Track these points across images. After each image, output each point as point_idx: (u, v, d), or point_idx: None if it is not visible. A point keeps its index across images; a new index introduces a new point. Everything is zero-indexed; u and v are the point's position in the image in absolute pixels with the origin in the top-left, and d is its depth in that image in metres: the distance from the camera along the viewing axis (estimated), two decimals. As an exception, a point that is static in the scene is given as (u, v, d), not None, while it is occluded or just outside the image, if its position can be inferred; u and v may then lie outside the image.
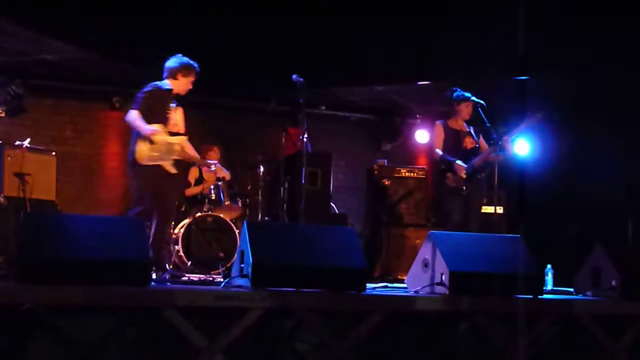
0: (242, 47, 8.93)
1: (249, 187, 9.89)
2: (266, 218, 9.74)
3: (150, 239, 6.42)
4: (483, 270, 5.52)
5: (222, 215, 9.07)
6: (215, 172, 7.38)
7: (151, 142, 6.57)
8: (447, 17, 8.12)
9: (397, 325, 5.29)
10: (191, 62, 6.88)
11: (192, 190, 9.65)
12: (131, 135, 6.72)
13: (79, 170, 10.43)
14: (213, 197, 9.20)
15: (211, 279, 7.05)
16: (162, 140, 6.64)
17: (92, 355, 4.63)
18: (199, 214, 9.01)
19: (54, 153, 8.92)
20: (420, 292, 5.48)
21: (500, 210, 9.70)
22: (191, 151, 7.02)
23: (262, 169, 9.75)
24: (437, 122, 8.27)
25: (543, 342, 5.63)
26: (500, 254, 5.70)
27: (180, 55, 6.93)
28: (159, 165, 6.64)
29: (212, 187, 9.37)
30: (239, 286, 5.11)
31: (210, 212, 9.06)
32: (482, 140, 8.10)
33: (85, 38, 8.72)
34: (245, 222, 5.25)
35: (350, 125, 12.04)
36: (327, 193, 10.84)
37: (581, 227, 9.40)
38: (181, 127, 6.94)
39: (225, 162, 10.09)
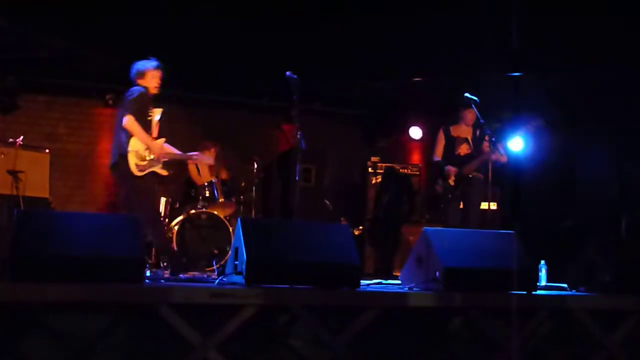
0: (235, 44, 8.92)
1: (242, 184, 9.89)
2: (260, 215, 9.74)
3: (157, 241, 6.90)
4: (477, 266, 5.53)
5: (216, 212, 9.06)
6: (198, 161, 7.42)
7: (137, 151, 6.81)
8: (441, 14, 8.11)
9: (392, 321, 5.30)
10: (143, 63, 7.11)
11: (200, 180, 9.65)
12: (117, 141, 6.91)
13: (72, 167, 10.42)
14: (207, 194, 9.20)
15: (205, 276, 7.05)
16: (148, 148, 6.89)
17: (87, 352, 4.64)
18: (192, 210, 9.00)
19: (47, 150, 8.93)
20: (414, 289, 5.49)
21: (494, 206, 9.73)
22: (173, 150, 7.27)
23: (256, 165, 9.75)
24: (440, 129, 8.48)
25: (538, 337, 5.64)
26: (494, 249, 5.70)
27: (135, 62, 7.15)
28: (153, 172, 6.90)
29: (205, 184, 9.38)
30: (233, 283, 5.11)
31: (204, 209, 9.06)
32: (485, 145, 8.17)
33: (79, 35, 8.71)
34: (239, 218, 5.25)
35: (345, 121, 12.04)
36: (321, 189, 10.87)
37: (574, 222, 9.42)
38: (155, 131, 7.12)
39: (220, 159, 10.11)
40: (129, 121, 6.78)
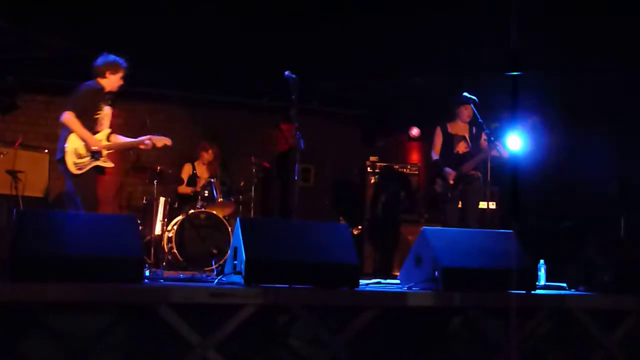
0: (235, 44, 8.92)
1: (242, 184, 9.89)
2: (259, 215, 9.74)
3: None
4: (476, 265, 5.53)
5: (215, 212, 9.07)
6: (153, 145, 7.35)
7: (76, 149, 6.79)
8: (441, 14, 8.11)
9: (391, 321, 5.30)
10: (117, 58, 7.09)
11: (184, 189, 9.65)
12: (62, 136, 6.88)
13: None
14: (206, 194, 9.20)
15: (204, 275, 7.05)
16: (85, 145, 6.85)
17: (86, 352, 4.63)
18: (191, 210, 9.00)
19: (46, 150, 8.94)
20: (413, 288, 5.48)
21: (493, 205, 9.73)
22: (120, 139, 7.18)
23: (254, 165, 9.76)
24: (438, 126, 8.46)
25: (537, 336, 5.64)
26: (493, 249, 5.70)
27: (105, 53, 7.12)
28: (96, 167, 6.90)
29: (204, 184, 9.38)
30: (233, 283, 5.11)
31: (203, 209, 9.06)
32: (483, 142, 8.20)
33: (79, 35, 8.70)
34: (238, 218, 5.25)
35: (344, 121, 12.04)
36: (319, 189, 10.85)
37: (574, 222, 9.42)
38: (106, 125, 7.09)
39: (220, 159, 10.11)
40: (67, 117, 6.76)
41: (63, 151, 6.77)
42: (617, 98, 9.34)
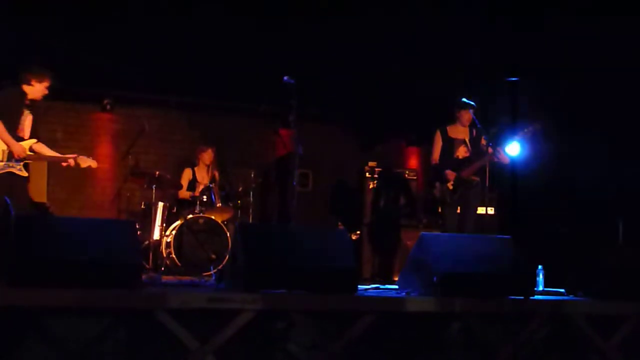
0: (233, 48, 8.92)
1: (240, 189, 9.88)
2: (258, 220, 9.73)
3: None
4: (474, 271, 5.53)
5: (213, 217, 9.06)
6: (77, 164, 7.35)
7: None
8: (441, 16, 8.13)
9: (389, 326, 5.30)
10: (44, 69, 7.07)
11: (184, 193, 9.65)
12: None
13: (69, 172, 10.38)
14: (204, 199, 9.19)
15: (203, 280, 7.04)
16: (5, 148, 6.82)
17: (84, 356, 4.63)
18: (190, 215, 9.00)
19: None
20: (411, 294, 5.48)
21: (491, 211, 9.71)
22: (45, 151, 7.16)
23: (253, 170, 9.76)
24: (437, 130, 8.40)
25: (535, 342, 5.64)
26: (491, 254, 5.70)
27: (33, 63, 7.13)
28: (9, 172, 6.83)
29: (203, 189, 9.38)
30: (231, 288, 5.11)
31: (201, 214, 9.05)
32: (482, 145, 8.18)
33: (77, 38, 8.70)
34: (237, 223, 5.26)
35: (342, 126, 12.02)
36: (318, 194, 10.84)
37: (572, 227, 9.42)
38: (27, 133, 7.05)
39: (217, 163, 10.11)
40: None
41: None
42: (615, 101, 9.33)
